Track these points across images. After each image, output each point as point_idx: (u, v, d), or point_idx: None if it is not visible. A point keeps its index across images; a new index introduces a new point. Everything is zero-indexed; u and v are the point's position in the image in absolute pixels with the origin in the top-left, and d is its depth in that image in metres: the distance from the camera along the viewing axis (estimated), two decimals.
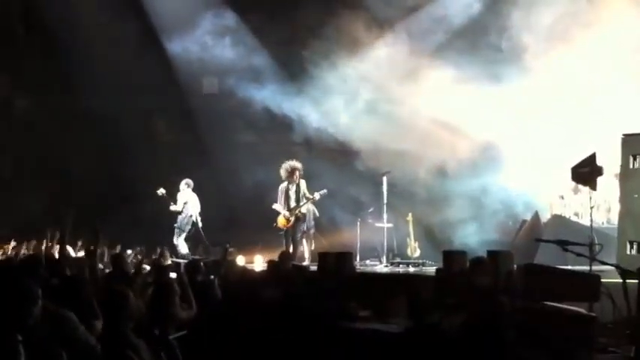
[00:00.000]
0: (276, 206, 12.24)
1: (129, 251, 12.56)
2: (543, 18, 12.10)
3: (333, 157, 14.10)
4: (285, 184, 12.19)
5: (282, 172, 12.18)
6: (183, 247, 12.68)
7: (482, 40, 12.78)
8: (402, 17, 13.60)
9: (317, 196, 12.07)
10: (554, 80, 11.98)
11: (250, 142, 14.79)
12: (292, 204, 12.08)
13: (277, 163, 12.44)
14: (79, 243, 12.10)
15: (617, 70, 11.26)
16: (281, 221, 12.11)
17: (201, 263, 7.83)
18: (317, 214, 12.74)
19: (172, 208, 12.79)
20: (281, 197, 12.16)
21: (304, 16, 13.82)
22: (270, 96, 14.18)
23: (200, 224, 12.91)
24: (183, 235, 12.83)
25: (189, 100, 15.02)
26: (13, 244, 12.13)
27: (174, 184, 13.09)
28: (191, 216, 12.82)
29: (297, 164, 12.22)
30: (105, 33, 13.86)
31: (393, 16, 13.55)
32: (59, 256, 9.10)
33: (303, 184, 12.18)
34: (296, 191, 12.10)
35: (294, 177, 12.09)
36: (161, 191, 12.80)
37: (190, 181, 12.98)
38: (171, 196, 12.90)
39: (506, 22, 12.39)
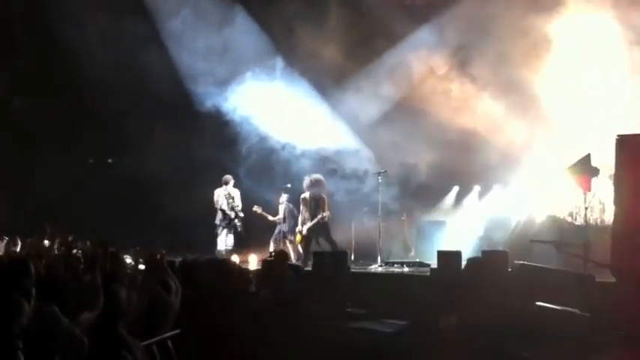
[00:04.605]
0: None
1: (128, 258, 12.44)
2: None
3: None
4: (306, 194, 11.44)
5: (306, 183, 11.44)
6: (220, 244, 12.32)
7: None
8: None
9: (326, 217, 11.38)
10: (548, 79, 11.99)
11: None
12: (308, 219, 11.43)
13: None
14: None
15: (614, 69, 11.28)
16: (299, 239, 11.77)
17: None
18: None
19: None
20: (302, 209, 11.51)
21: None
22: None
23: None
24: (224, 232, 12.53)
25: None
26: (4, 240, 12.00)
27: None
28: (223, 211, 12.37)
29: (322, 178, 11.54)
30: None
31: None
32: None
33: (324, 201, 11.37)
34: (315, 206, 11.35)
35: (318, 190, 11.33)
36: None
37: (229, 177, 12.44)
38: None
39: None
